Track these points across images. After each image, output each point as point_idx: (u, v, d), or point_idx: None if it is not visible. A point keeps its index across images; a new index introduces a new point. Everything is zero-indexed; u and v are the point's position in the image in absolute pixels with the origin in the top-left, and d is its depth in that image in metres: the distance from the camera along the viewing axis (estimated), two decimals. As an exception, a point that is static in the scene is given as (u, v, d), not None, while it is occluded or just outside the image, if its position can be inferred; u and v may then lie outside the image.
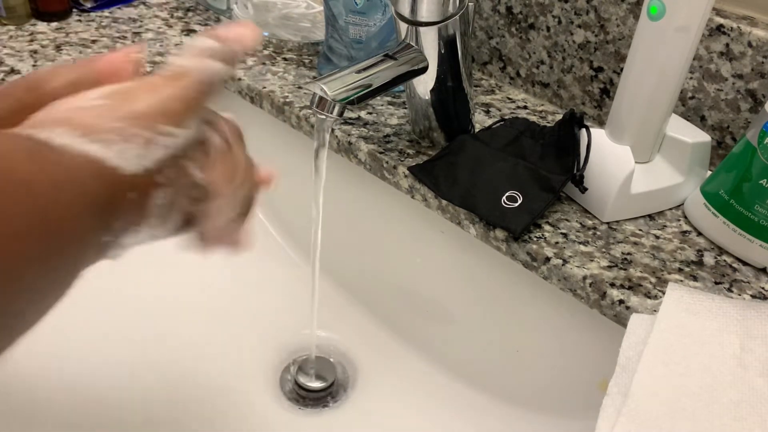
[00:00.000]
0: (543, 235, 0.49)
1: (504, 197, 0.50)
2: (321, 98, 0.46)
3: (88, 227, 0.22)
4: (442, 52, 0.50)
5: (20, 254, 0.19)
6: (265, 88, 0.65)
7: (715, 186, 0.49)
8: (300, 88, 0.66)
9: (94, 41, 0.72)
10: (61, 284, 0.22)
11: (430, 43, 0.49)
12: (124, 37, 0.73)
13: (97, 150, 0.22)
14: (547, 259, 0.47)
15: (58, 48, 0.70)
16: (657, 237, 0.50)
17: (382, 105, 0.64)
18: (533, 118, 0.62)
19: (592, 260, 0.47)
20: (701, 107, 0.55)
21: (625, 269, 0.46)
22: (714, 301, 0.40)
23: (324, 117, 0.46)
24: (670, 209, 0.53)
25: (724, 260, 0.48)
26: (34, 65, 0.66)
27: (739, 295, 0.45)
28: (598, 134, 0.51)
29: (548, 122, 0.62)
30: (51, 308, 0.22)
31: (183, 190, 0.26)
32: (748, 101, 0.53)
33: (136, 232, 0.25)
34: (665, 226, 0.51)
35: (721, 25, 0.52)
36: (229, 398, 0.57)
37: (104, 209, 0.22)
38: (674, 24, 0.44)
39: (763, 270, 0.47)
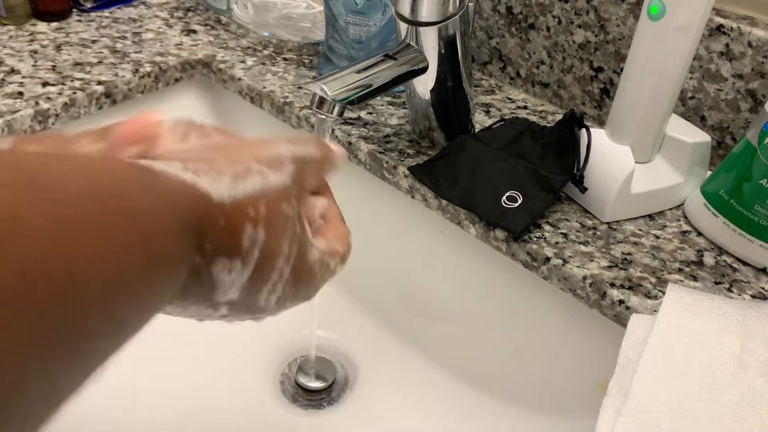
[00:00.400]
0: (543, 235, 0.49)
1: (504, 197, 0.50)
2: (321, 98, 0.46)
3: (181, 245, 0.22)
4: (442, 52, 0.50)
5: (121, 272, 0.19)
6: (265, 88, 0.65)
7: (715, 186, 0.49)
8: (300, 88, 0.66)
9: (94, 41, 0.72)
10: (153, 305, 0.22)
11: (430, 43, 0.49)
12: (124, 37, 0.73)
13: (190, 177, 0.23)
14: (547, 259, 0.47)
15: (58, 48, 0.70)
16: (657, 237, 0.50)
17: (382, 105, 0.64)
18: (533, 118, 0.62)
19: (592, 260, 0.47)
20: (701, 107, 0.55)
21: (625, 269, 0.46)
22: (714, 302, 0.40)
23: (324, 117, 0.46)
24: (670, 209, 0.53)
25: (724, 260, 0.48)
26: (34, 65, 0.66)
27: (739, 295, 0.45)
28: (598, 134, 0.51)
29: (548, 122, 0.62)
30: (137, 331, 0.22)
31: (284, 235, 0.27)
32: (748, 101, 0.53)
33: (229, 269, 0.25)
34: (665, 226, 0.51)
35: (721, 25, 0.52)
36: (229, 398, 0.57)
37: (196, 229, 0.23)
38: (674, 24, 0.44)
39: (763, 270, 0.47)
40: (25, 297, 0.16)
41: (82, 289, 0.17)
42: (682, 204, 0.53)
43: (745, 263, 0.48)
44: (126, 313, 0.20)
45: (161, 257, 0.21)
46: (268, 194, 0.26)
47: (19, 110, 0.59)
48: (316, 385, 0.57)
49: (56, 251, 0.17)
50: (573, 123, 0.51)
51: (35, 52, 0.69)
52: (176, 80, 0.70)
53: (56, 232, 0.17)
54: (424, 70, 0.51)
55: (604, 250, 0.48)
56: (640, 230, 0.50)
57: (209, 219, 0.23)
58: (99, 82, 0.64)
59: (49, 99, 0.61)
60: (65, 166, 0.19)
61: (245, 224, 0.25)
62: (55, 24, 0.75)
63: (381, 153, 0.57)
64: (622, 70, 0.49)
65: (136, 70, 0.67)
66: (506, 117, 0.62)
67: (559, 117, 0.56)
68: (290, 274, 0.27)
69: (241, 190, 0.25)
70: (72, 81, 0.64)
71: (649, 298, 0.44)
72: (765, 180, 0.45)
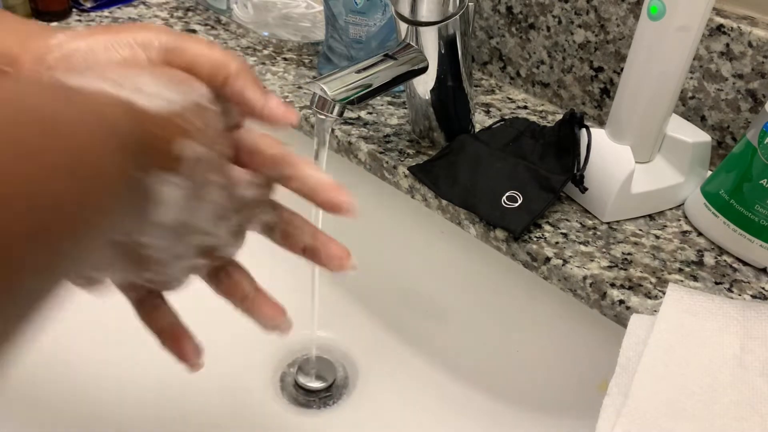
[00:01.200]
0: (543, 235, 0.49)
1: (504, 197, 0.50)
2: (321, 98, 0.46)
3: (124, 166, 0.21)
4: (442, 52, 0.50)
5: (57, 194, 0.18)
6: (265, 88, 0.65)
7: (716, 186, 0.49)
8: (300, 88, 0.66)
9: (94, 41, 0.72)
10: (91, 229, 0.20)
11: (430, 43, 0.49)
12: (124, 37, 0.73)
13: (126, 94, 0.23)
14: (547, 259, 0.47)
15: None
16: (657, 237, 0.50)
17: (382, 105, 0.64)
18: (533, 118, 0.62)
19: (592, 260, 0.47)
20: (701, 107, 0.55)
21: (625, 269, 0.46)
22: (714, 302, 0.40)
23: (324, 117, 0.46)
24: (671, 209, 0.53)
25: (725, 260, 0.48)
26: (34, 65, 0.66)
27: (739, 295, 0.45)
28: (598, 134, 0.51)
29: (548, 122, 0.62)
30: (82, 264, 0.21)
31: (216, 148, 0.27)
32: (749, 101, 0.53)
33: (174, 185, 0.24)
34: (665, 226, 0.51)
35: (721, 25, 0.52)
36: (229, 398, 0.57)
37: (137, 148, 0.22)
38: (674, 24, 0.44)
39: (763, 270, 0.47)
40: None
41: (5, 222, 0.16)
42: (683, 204, 0.53)
43: (745, 263, 0.48)
44: (61, 242, 0.18)
45: (93, 174, 0.20)
46: (202, 106, 0.26)
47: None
48: (316, 385, 0.57)
49: None
50: (573, 123, 0.51)
51: (35, 52, 0.69)
52: (176, 80, 0.70)
53: None
54: (424, 70, 0.51)
55: (604, 250, 0.48)
56: (640, 230, 0.50)
57: (149, 133, 0.23)
58: (99, 82, 0.64)
59: (49, 99, 0.61)
60: None
61: (183, 136, 0.24)
62: (54, 24, 0.75)
63: (381, 153, 0.57)
64: (622, 70, 0.49)
65: (136, 70, 0.67)
66: (506, 117, 0.62)
67: (559, 117, 0.56)
68: (224, 198, 0.27)
69: (178, 101, 0.25)
70: (72, 81, 0.64)
71: (650, 298, 0.44)
72: (765, 180, 0.45)
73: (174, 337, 0.34)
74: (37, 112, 0.19)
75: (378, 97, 0.64)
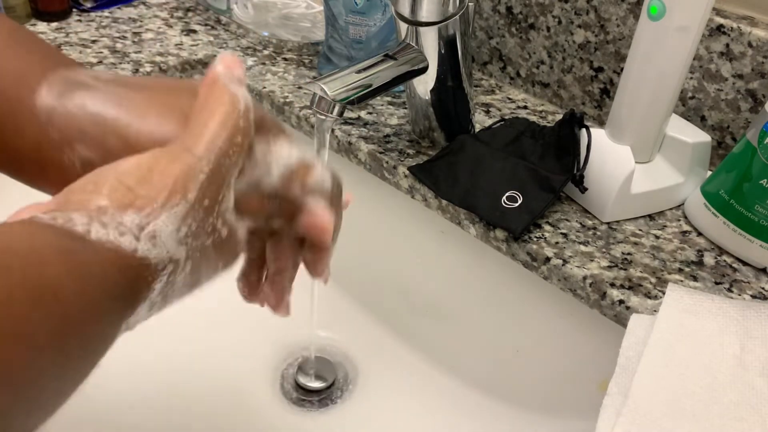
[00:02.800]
0: (543, 235, 0.49)
1: (504, 197, 0.50)
2: (321, 98, 0.46)
3: (111, 319, 0.22)
4: (442, 52, 0.50)
5: (34, 361, 0.19)
6: (265, 88, 0.65)
7: (715, 186, 0.49)
8: (300, 88, 0.66)
9: (94, 41, 0.72)
10: (83, 370, 0.23)
11: (430, 43, 0.49)
12: (124, 37, 0.73)
13: (125, 242, 0.23)
14: (547, 259, 0.47)
15: (58, 48, 0.70)
16: (657, 237, 0.50)
17: (382, 105, 0.64)
18: (533, 118, 0.62)
19: (592, 260, 0.47)
20: (701, 107, 0.55)
21: (625, 269, 0.46)
22: (714, 302, 0.40)
23: (324, 117, 0.46)
24: (670, 209, 0.53)
25: (724, 260, 0.48)
26: (34, 65, 0.66)
27: (739, 295, 0.45)
28: (598, 134, 0.51)
29: (548, 122, 0.62)
30: (78, 385, 0.23)
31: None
32: (748, 101, 0.53)
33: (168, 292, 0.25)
34: (665, 226, 0.51)
35: (721, 25, 0.52)
36: (228, 398, 0.57)
37: (128, 298, 0.23)
38: (674, 24, 0.44)
39: (763, 270, 0.47)
40: None
41: None
42: (682, 204, 0.53)
43: (745, 263, 0.48)
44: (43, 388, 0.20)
45: (85, 342, 0.21)
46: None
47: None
48: (316, 385, 0.57)
49: None
50: (573, 123, 0.51)
51: (35, 52, 0.69)
52: (176, 80, 0.70)
53: None
54: (424, 70, 0.51)
55: (604, 250, 0.48)
56: (640, 230, 0.50)
57: (144, 284, 0.23)
58: (99, 82, 0.64)
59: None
60: None
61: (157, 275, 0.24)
62: (54, 24, 0.75)
63: (381, 153, 0.57)
64: (622, 70, 0.49)
65: (136, 70, 0.67)
66: (506, 117, 0.62)
67: (559, 117, 0.56)
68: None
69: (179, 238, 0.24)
70: (72, 81, 0.64)
71: (649, 298, 0.44)
72: (765, 180, 0.45)
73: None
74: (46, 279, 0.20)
75: (378, 97, 0.64)
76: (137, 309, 0.24)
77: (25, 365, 0.19)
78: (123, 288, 0.22)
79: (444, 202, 0.53)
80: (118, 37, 0.73)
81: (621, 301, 0.44)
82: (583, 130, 0.50)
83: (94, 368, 0.23)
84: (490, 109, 0.64)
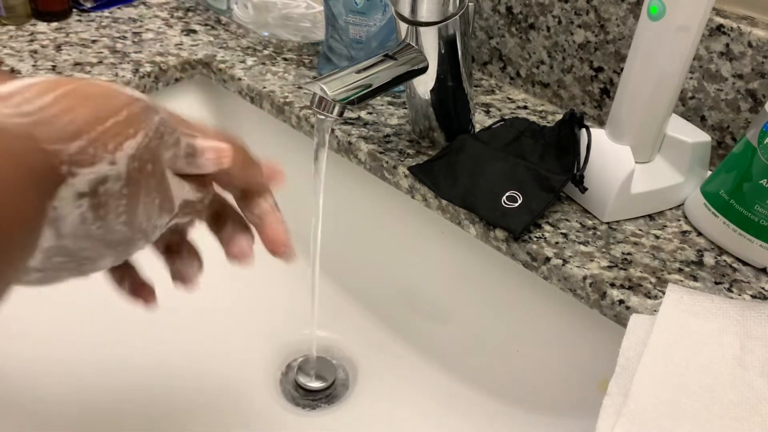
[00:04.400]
0: (543, 235, 0.49)
1: (504, 197, 0.50)
2: (321, 98, 0.46)
3: (34, 203, 0.21)
4: (442, 52, 0.50)
5: None
6: (265, 88, 0.65)
7: (715, 186, 0.49)
8: (300, 88, 0.66)
9: (94, 41, 0.72)
10: (9, 267, 0.21)
11: (430, 43, 0.49)
12: (124, 37, 0.73)
13: (32, 122, 0.22)
14: (547, 259, 0.47)
15: (58, 48, 0.70)
16: (657, 237, 0.50)
17: (382, 105, 0.64)
18: (533, 118, 0.62)
19: (592, 260, 0.47)
20: (701, 107, 0.55)
21: (625, 269, 0.46)
22: (714, 302, 0.40)
23: (324, 117, 0.46)
24: (670, 209, 0.53)
25: (724, 260, 0.48)
26: (33, 65, 0.66)
27: (739, 295, 0.45)
28: (598, 134, 0.51)
29: (548, 122, 0.62)
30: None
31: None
32: (748, 101, 0.53)
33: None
34: (665, 226, 0.51)
35: (721, 25, 0.52)
36: (229, 398, 0.57)
37: (47, 180, 0.22)
38: (674, 24, 0.44)
39: (763, 270, 0.47)
40: None
41: None
42: (682, 204, 0.53)
43: (745, 263, 0.48)
44: None
45: (7, 225, 0.20)
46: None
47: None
48: (316, 385, 0.57)
49: None
50: (573, 123, 0.51)
51: (35, 52, 0.69)
52: (176, 80, 0.70)
53: None
54: (424, 70, 0.51)
55: (604, 250, 0.48)
56: (640, 230, 0.50)
57: (58, 166, 0.23)
58: (99, 82, 0.64)
59: (49, 99, 0.61)
60: None
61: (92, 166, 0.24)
62: (55, 24, 0.75)
63: (381, 153, 0.57)
64: (622, 70, 0.49)
65: (136, 70, 0.67)
66: (506, 117, 0.62)
67: (559, 117, 0.56)
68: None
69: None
70: (72, 81, 0.64)
71: (649, 298, 0.44)
72: (765, 180, 0.45)
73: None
74: None
75: (378, 97, 0.64)
76: (61, 193, 0.23)
77: None
78: (40, 169, 0.22)
79: (444, 202, 0.53)
80: (118, 37, 0.73)
81: (621, 301, 0.44)
82: (583, 130, 0.50)
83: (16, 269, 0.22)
84: (490, 109, 0.64)
